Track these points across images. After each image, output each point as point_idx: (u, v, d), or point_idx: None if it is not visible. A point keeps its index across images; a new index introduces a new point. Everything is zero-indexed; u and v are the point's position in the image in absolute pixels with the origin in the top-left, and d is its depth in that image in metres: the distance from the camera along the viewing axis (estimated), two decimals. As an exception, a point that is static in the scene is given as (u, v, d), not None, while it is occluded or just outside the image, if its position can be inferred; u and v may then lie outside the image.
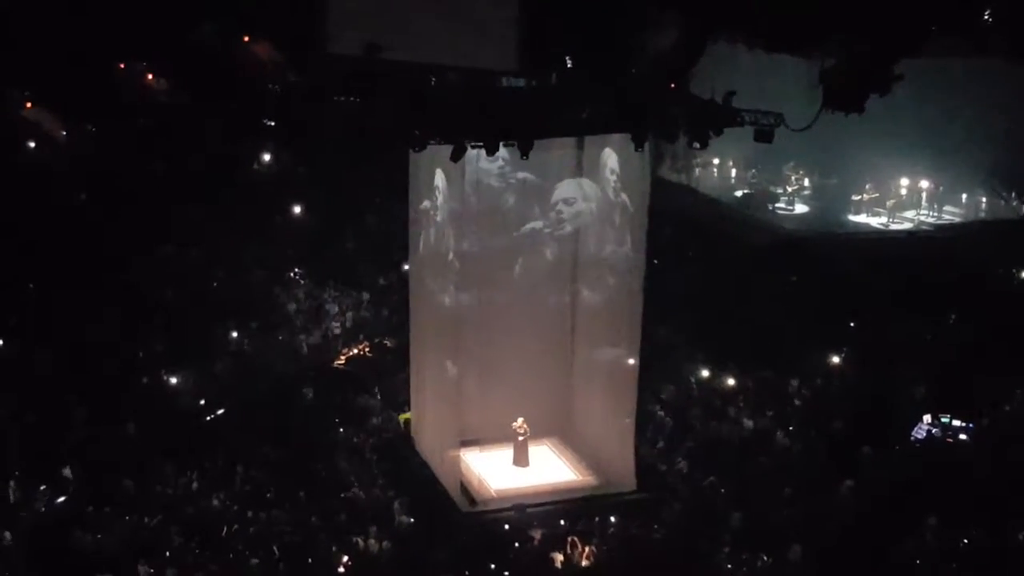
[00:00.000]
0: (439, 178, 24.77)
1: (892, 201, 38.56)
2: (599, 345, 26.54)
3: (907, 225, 38.19)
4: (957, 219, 38.97)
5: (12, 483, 23.63)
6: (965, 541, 22.75)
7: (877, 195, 38.85)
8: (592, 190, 26.35)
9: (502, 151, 23.46)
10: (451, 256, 24.94)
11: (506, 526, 23.92)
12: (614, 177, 25.49)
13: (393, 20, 21.61)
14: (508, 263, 26.82)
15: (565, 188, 26.59)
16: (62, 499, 23.69)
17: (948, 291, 30.61)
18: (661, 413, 28.15)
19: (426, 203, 25.71)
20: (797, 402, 28.49)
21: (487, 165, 25.29)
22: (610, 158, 25.44)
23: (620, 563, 22.77)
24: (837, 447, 26.27)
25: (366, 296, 33.11)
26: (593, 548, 22.97)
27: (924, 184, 39.02)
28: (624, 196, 25.31)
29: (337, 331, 31.76)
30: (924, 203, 39.31)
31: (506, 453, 26.84)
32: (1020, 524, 22.84)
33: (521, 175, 26.11)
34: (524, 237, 26.72)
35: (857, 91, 19.15)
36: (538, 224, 26.76)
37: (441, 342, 25.62)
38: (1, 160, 30.63)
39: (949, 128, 35.71)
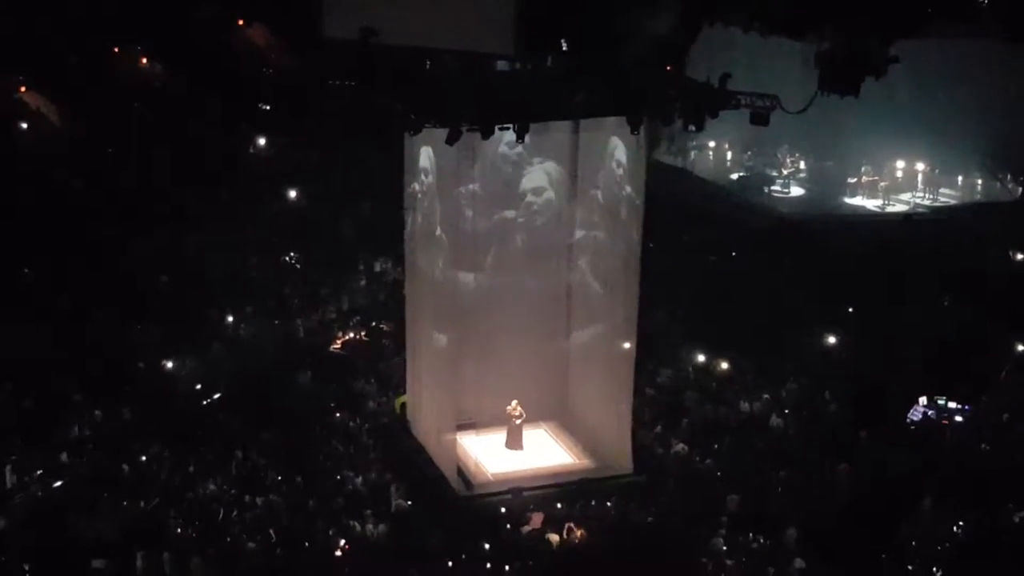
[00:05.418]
0: (429, 159, 24.70)
1: (888, 183, 38.56)
2: (595, 328, 26.53)
3: (903, 207, 38.21)
4: (953, 201, 39.01)
5: (9, 468, 23.62)
6: (961, 523, 22.82)
7: (874, 178, 38.85)
8: (559, 175, 26.28)
9: (496, 134, 23.40)
10: (445, 240, 24.89)
11: (503, 509, 23.94)
12: (619, 168, 25.30)
13: (389, 4, 21.55)
14: (503, 247, 26.77)
15: (532, 177, 26.53)
16: (59, 484, 23.68)
17: (944, 273, 30.61)
18: (657, 396, 28.18)
19: (420, 186, 25.65)
20: (793, 385, 28.51)
21: (486, 148, 25.23)
22: (617, 148, 25.23)
23: (616, 546, 22.80)
24: (833, 430, 26.34)
25: (362, 280, 33.11)
26: (590, 531, 23.00)
27: (920, 166, 39.05)
28: (621, 180, 25.23)
29: (333, 315, 31.75)
30: (920, 185, 39.36)
31: (503, 437, 26.87)
32: (1015, 506, 22.90)
33: (517, 157, 26.06)
34: (516, 220, 26.69)
35: (853, 73, 19.11)
36: (510, 213, 26.70)
37: (437, 326, 25.59)
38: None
39: (945, 110, 35.69)
